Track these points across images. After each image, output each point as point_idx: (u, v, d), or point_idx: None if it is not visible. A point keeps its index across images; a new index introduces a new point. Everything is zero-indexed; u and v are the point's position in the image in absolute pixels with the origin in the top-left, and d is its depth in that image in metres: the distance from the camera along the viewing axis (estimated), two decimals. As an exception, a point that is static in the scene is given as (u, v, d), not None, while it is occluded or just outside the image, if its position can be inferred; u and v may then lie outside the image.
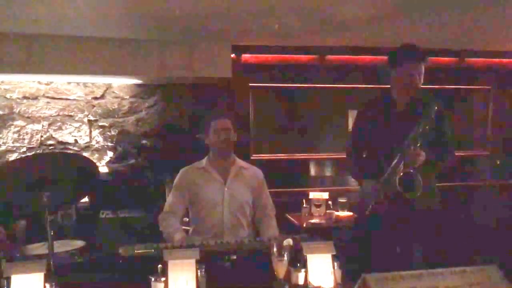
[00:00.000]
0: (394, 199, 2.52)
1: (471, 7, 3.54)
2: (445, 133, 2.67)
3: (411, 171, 2.45)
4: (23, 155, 4.67)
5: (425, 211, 2.58)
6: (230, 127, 2.85)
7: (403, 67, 2.54)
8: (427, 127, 2.44)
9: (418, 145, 2.45)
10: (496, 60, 5.24)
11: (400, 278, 1.37)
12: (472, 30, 4.28)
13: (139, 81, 4.85)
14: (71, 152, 4.77)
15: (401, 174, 2.46)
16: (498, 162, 5.27)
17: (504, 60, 5.25)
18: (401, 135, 2.48)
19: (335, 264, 1.91)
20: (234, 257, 2.19)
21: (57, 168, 2.25)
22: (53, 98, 4.76)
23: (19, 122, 4.70)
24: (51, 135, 4.77)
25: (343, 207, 4.36)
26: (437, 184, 2.76)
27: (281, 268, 1.87)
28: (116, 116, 4.89)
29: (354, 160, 2.85)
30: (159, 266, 1.84)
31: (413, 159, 2.46)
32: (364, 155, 2.80)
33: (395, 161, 2.49)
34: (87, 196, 4.26)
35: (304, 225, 4.03)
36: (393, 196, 2.51)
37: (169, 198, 2.94)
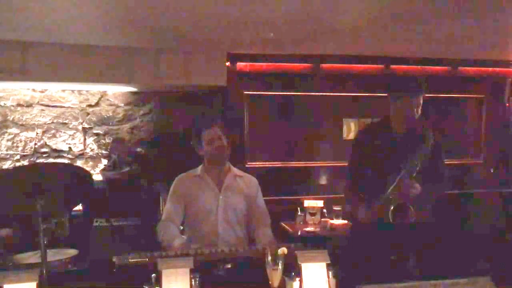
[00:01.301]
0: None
1: (464, 17, 3.57)
2: (438, 164, 2.69)
3: (405, 203, 2.46)
4: (17, 164, 4.65)
5: (416, 224, 2.59)
6: (221, 134, 2.85)
7: (402, 99, 2.57)
8: (422, 159, 2.47)
9: (414, 175, 2.47)
10: (489, 69, 5.28)
11: (394, 289, 1.38)
12: (465, 39, 4.32)
13: (134, 89, 4.85)
14: (65, 159, 4.76)
15: (395, 205, 2.47)
16: (492, 171, 5.29)
17: (497, 69, 5.30)
18: (397, 162, 2.50)
19: (330, 273, 1.90)
20: (229, 265, 2.18)
21: (50, 177, 2.24)
22: (48, 105, 4.75)
23: (13, 130, 4.68)
24: (45, 142, 4.75)
25: (338, 215, 4.36)
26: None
27: (275, 276, 1.87)
28: (110, 124, 4.89)
29: (350, 184, 2.84)
30: (153, 275, 1.83)
31: (407, 191, 2.47)
32: (363, 186, 2.78)
33: (389, 190, 2.50)
34: (80, 204, 4.24)
35: (299, 234, 4.03)
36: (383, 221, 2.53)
37: (166, 207, 2.93)
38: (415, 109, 2.55)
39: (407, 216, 2.46)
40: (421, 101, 2.56)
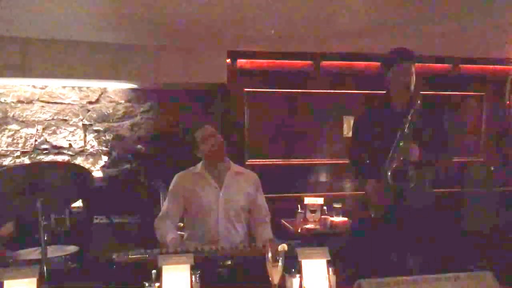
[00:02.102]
0: (393, 198, 2.57)
1: (465, 15, 3.57)
2: (441, 132, 2.75)
3: (404, 165, 2.51)
4: (18, 160, 4.65)
5: (421, 211, 2.62)
6: (215, 131, 2.90)
7: (398, 67, 2.69)
8: (415, 121, 2.52)
9: (410, 140, 2.52)
10: (490, 66, 5.27)
11: (394, 284, 1.38)
12: (466, 37, 4.31)
13: (134, 86, 4.84)
14: (66, 156, 4.76)
15: (394, 167, 2.52)
16: (492, 169, 5.29)
17: (498, 66, 5.29)
18: (397, 131, 2.56)
19: (330, 269, 1.90)
20: (229, 262, 2.18)
21: (51, 174, 2.24)
22: (48, 102, 4.74)
23: (14, 126, 4.68)
24: (46, 139, 4.75)
25: (338, 212, 4.36)
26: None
27: (276, 273, 1.87)
28: (111, 121, 4.89)
29: (356, 162, 2.95)
30: (154, 271, 1.83)
31: (405, 153, 2.52)
32: (366, 156, 2.86)
33: (389, 155, 2.55)
34: (81, 201, 4.25)
35: (299, 231, 4.03)
36: (391, 195, 2.57)
37: (165, 203, 2.95)
38: (411, 76, 2.65)
39: (407, 178, 2.51)
40: (414, 70, 2.68)
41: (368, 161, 2.85)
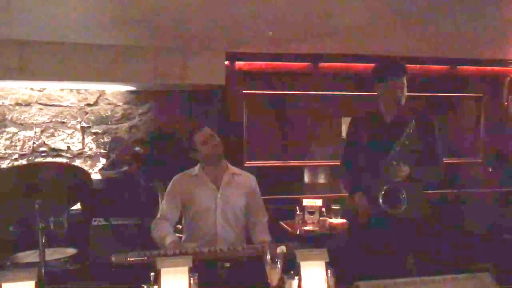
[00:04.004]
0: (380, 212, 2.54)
1: (463, 16, 3.57)
2: (433, 146, 2.72)
3: (395, 186, 2.48)
4: (16, 163, 4.64)
5: (412, 221, 2.59)
6: (213, 133, 2.91)
7: (387, 83, 2.68)
8: (407, 143, 2.49)
9: (401, 160, 2.50)
10: (488, 68, 5.28)
11: (393, 285, 1.38)
12: (464, 38, 4.32)
13: (132, 88, 4.84)
14: (64, 158, 4.76)
15: (385, 188, 2.49)
16: (490, 170, 5.30)
17: (496, 68, 5.30)
18: (387, 147, 2.54)
19: (329, 271, 1.90)
20: (228, 264, 2.18)
21: (49, 176, 2.24)
22: (46, 104, 4.74)
23: (12, 129, 4.67)
24: (44, 141, 4.74)
25: (336, 214, 4.36)
26: (429, 191, 2.78)
27: (274, 275, 1.87)
28: (109, 123, 4.88)
29: (345, 172, 2.91)
30: (152, 274, 1.83)
31: (395, 174, 2.50)
32: (355, 167, 2.82)
33: (379, 175, 2.53)
34: (79, 203, 4.24)
35: (298, 232, 4.02)
36: (378, 213, 2.54)
37: (162, 205, 2.95)
38: (401, 92, 2.62)
39: (398, 200, 2.48)
40: (405, 82, 2.65)
41: (356, 175, 2.79)
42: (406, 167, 2.51)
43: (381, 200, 2.48)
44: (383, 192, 2.49)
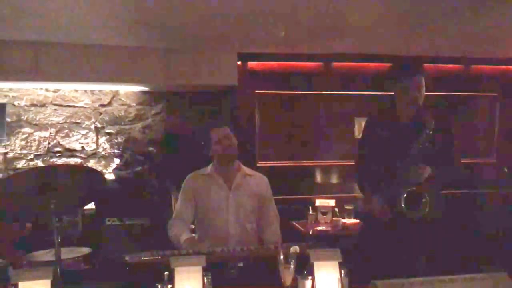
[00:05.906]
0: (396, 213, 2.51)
1: (477, 14, 3.54)
2: (449, 148, 2.66)
3: (417, 190, 2.44)
4: (31, 163, 4.70)
5: (429, 222, 2.57)
6: (229, 133, 2.88)
7: (404, 84, 2.60)
8: (426, 144, 2.45)
9: (420, 161, 2.46)
10: (503, 67, 5.22)
11: (410, 285, 1.37)
12: (478, 37, 4.27)
13: (145, 89, 4.88)
14: (78, 159, 4.80)
15: (407, 192, 2.45)
16: (506, 170, 5.23)
17: (511, 66, 5.24)
18: (405, 148, 2.49)
19: (342, 271, 1.90)
20: (241, 264, 2.18)
21: (63, 177, 2.26)
22: (61, 105, 4.79)
23: (27, 129, 4.73)
24: (58, 142, 4.79)
25: (349, 214, 4.35)
26: (442, 192, 2.75)
27: (288, 275, 1.87)
28: (122, 123, 4.92)
29: (361, 171, 2.86)
30: (166, 273, 1.84)
31: (416, 175, 2.47)
32: (372, 168, 2.78)
33: (399, 177, 2.49)
34: (93, 203, 4.28)
35: (311, 233, 4.02)
36: (396, 214, 2.51)
37: (177, 205, 2.96)
38: (418, 92, 2.56)
39: (421, 204, 2.44)
40: (423, 83, 2.58)
41: (374, 176, 2.71)
42: (427, 168, 2.47)
43: (403, 204, 2.45)
44: (405, 195, 2.46)
